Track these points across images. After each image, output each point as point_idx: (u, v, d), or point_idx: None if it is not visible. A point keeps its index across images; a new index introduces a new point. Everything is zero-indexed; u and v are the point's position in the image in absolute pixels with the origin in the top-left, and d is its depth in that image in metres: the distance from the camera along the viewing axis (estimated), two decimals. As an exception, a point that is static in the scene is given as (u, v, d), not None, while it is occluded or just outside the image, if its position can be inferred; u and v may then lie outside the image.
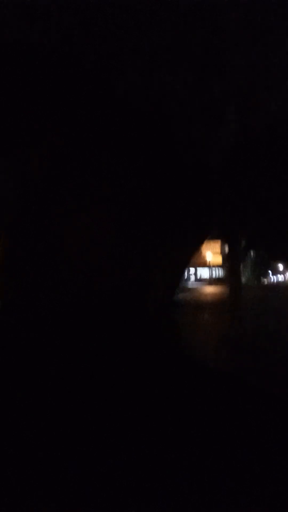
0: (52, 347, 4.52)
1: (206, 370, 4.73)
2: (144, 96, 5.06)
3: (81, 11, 4.18)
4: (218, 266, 32.21)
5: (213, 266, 32.29)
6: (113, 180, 5.70)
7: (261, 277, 33.92)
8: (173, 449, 2.55)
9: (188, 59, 4.79)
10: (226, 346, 6.76)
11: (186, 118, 5.65)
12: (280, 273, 41.72)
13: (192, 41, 4.56)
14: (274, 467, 2.43)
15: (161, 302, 7.77)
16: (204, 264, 31.47)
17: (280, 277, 41.07)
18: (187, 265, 11.58)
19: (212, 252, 30.22)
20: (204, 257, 29.89)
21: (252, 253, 29.25)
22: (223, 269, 30.84)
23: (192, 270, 31.62)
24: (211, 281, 30.89)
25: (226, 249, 22.54)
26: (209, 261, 31.14)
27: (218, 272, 33.08)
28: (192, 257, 11.62)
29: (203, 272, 33.32)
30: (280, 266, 40.71)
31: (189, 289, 22.79)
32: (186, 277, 27.93)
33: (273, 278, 39.62)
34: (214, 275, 32.60)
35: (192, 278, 32.56)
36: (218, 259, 31.49)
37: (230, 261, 20.85)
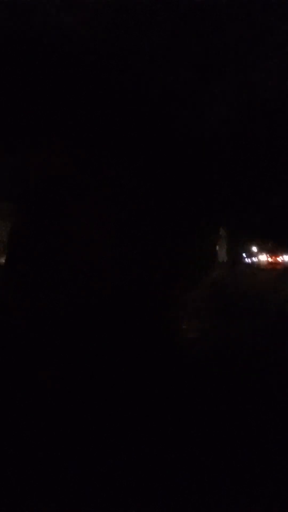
0: (53, 347, 4.52)
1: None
2: (144, 93, 5.06)
3: (81, 10, 4.19)
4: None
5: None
6: (114, 179, 5.70)
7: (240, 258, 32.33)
8: (173, 449, 2.55)
9: (189, 58, 4.80)
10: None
11: (187, 116, 5.66)
12: (254, 255, 40.53)
13: (191, 40, 4.56)
14: (274, 467, 2.42)
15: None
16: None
17: (255, 260, 39.94)
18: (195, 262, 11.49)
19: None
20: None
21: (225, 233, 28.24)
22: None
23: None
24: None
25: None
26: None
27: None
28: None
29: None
30: (254, 248, 39.64)
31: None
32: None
33: (248, 261, 38.59)
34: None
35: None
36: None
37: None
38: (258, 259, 38.94)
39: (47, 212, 5.95)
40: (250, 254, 39.43)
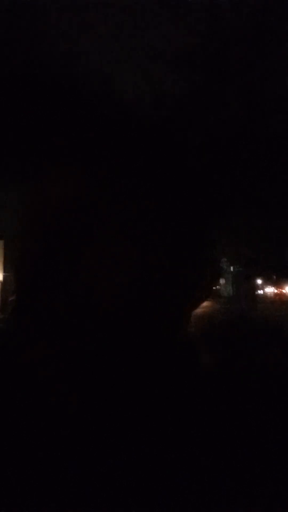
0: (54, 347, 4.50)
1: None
2: (144, 98, 5.05)
3: (79, 11, 4.19)
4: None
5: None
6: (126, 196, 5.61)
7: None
8: (173, 448, 2.55)
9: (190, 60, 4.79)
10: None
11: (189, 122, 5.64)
12: (259, 288, 43.18)
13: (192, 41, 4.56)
14: (274, 467, 2.42)
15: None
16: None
17: (260, 292, 42.65)
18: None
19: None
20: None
21: (231, 269, 30.29)
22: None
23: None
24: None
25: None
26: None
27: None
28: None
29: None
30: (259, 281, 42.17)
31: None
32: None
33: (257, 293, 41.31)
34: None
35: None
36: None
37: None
38: (264, 292, 41.11)
39: (57, 238, 5.80)
40: (257, 287, 41.45)
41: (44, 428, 2.92)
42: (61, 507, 1.97)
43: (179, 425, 3.10)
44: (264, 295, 39.74)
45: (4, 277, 13.27)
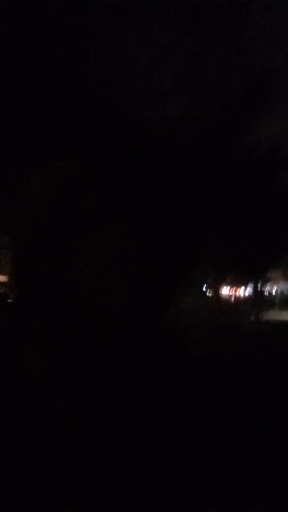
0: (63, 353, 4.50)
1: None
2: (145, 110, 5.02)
3: (79, 14, 4.18)
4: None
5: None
6: (123, 198, 5.60)
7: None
8: (173, 448, 2.56)
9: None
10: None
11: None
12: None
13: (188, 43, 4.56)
14: (274, 467, 2.43)
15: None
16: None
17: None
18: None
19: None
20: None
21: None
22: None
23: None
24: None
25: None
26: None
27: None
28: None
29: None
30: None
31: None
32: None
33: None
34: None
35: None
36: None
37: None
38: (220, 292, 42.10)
39: (51, 235, 5.79)
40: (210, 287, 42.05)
41: (44, 428, 2.92)
42: (61, 507, 1.97)
43: (179, 425, 3.10)
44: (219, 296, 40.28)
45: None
